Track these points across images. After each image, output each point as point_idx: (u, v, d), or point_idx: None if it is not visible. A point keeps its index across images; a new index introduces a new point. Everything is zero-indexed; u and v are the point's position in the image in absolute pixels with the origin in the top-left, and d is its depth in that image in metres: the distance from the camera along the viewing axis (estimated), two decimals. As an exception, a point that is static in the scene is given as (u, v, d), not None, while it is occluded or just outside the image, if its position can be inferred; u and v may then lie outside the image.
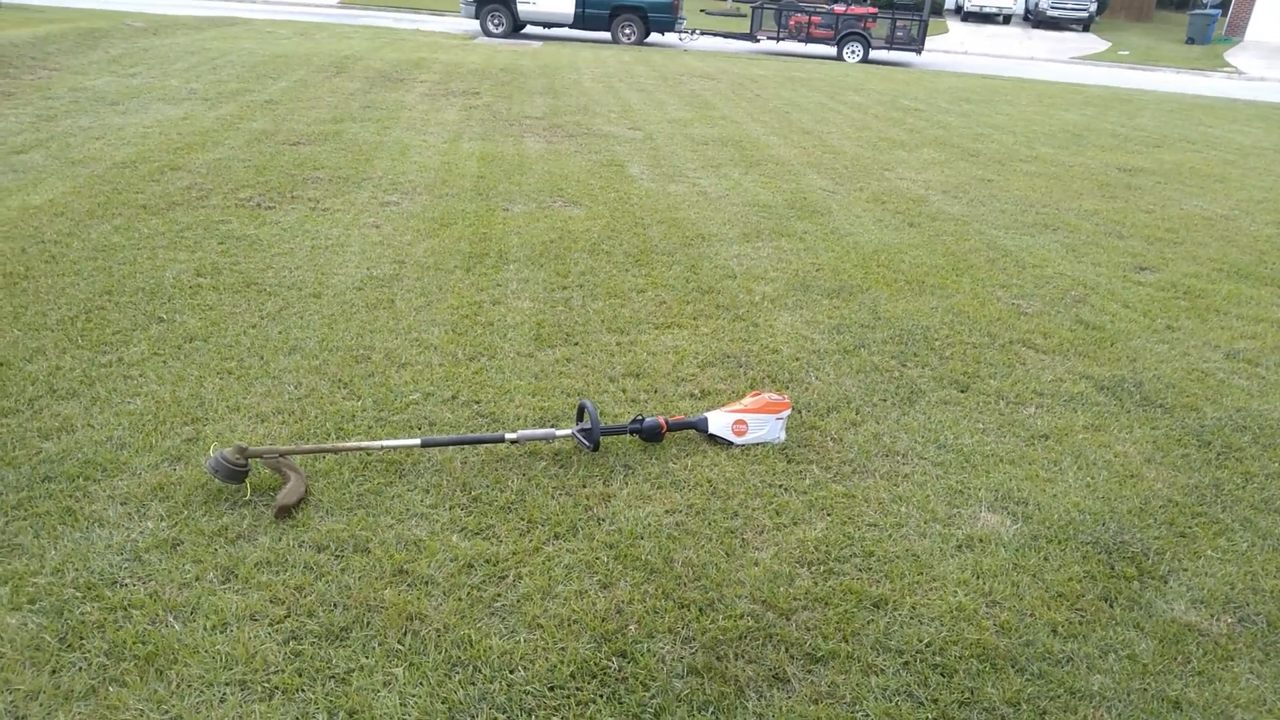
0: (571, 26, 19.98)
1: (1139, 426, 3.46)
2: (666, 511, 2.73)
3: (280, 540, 2.47)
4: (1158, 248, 5.99)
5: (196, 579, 2.32)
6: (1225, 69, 24.67)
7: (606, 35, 20.69)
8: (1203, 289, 5.16)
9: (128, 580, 2.30)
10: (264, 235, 5.01)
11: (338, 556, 2.44)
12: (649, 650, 2.17)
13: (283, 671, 2.04)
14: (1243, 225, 6.79)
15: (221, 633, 2.15)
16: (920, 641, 2.26)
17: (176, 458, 2.84)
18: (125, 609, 2.20)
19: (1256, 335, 4.50)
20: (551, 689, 2.05)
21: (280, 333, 3.77)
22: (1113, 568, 2.60)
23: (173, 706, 1.94)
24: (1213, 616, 2.44)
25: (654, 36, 21.31)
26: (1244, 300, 5.02)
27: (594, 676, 2.09)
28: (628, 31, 20.18)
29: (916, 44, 21.25)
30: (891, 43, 21.19)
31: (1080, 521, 2.81)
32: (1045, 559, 2.62)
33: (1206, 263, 5.70)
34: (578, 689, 2.05)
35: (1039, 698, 2.11)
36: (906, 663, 2.19)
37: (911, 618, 2.34)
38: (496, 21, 19.81)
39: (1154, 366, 4.02)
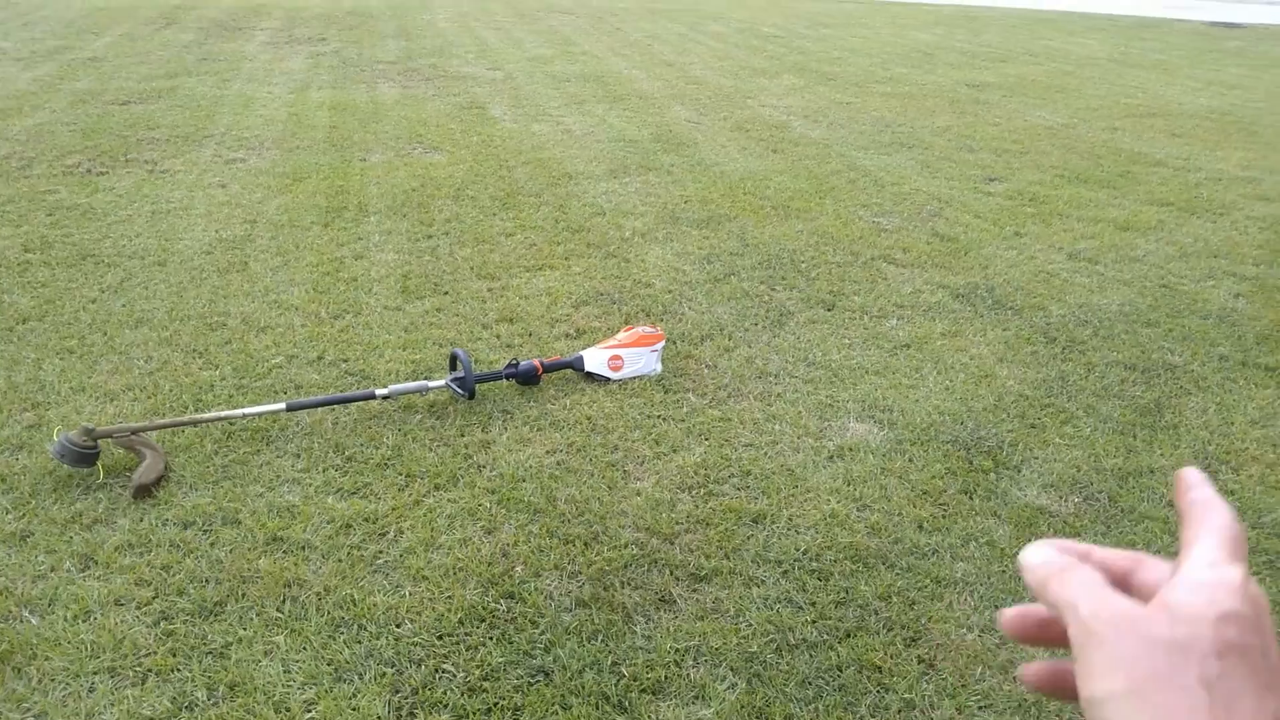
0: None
1: (992, 329, 3.65)
2: (547, 452, 2.73)
3: (141, 521, 2.36)
4: (1005, 159, 6.27)
5: (51, 569, 2.19)
6: (1062, -16, 25.73)
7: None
8: (1046, 195, 5.45)
9: (-27, 580, 2.16)
10: (97, 203, 4.67)
11: (206, 531, 2.34)
12: (536, 589, 2.19)
13: (155, 653, 1.96)
14: (1081, 132, 7.18)
15: (84, 622, 2.04)
16: (798, 550, 2.35)
17: (18, 446, 2.65)
18: (-27, 610, 2.07)
19: (1095, 235, 4.79)
20: (440, 637, 2.04)
21: (124, 305, 3.54)
22: (971, 462, 2.76)
23: (35, 703, 1.84)
24: (1061, 498, 2.63)
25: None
26: (1083, 203, 5.33)
27: (483, 620, 2.10)
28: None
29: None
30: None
31: (940, 423, 2.96)
32: (910, 461, 2.76)
33: (1049, 170, 6.01)
34: (466, 634, 2.05)
35: (908, 589, 2.24)
36: (785, 571, 2.28)
37: (789, 529, 2.43)
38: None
39: (1004, 271, 4.24)
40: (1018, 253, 4.49)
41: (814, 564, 2.31)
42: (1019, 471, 2.74)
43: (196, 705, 1.85)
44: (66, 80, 7.54)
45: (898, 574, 2.29)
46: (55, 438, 2.49)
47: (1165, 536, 2.48)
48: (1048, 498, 2.62)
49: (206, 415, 2.71)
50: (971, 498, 2.60)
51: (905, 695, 1.95)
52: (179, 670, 1.93)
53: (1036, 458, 2.81)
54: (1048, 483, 2.69)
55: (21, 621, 2.03)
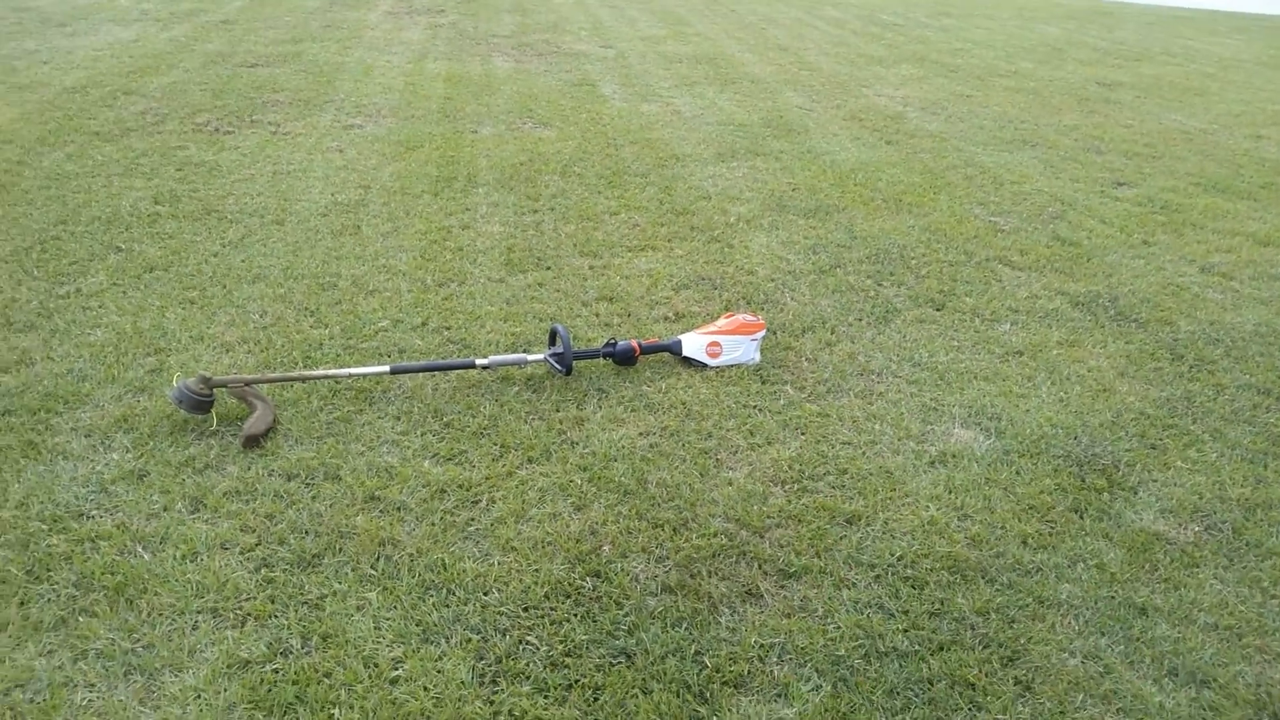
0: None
1: (1113, 341, 3.47)
2: (640, 434, 2.72)
3: (249, 469, 2.44)
4: (1136, 163, 5.94)
5: (165, 509, 2.29)
6: (1208, -20, 24.23)
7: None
8: (1180, 203, 5.14)
9: (94, 512, 2.27)
10: (223, 161, 4.86)
11: (308, 484, 2.41)
12: (623, 570, 2.18)
13: (255, 598, 2.03)
14: (1220, 139, 6.74)
15: (192, 562, 2.13)
16: (892, 555, 2.28)
17: (140, 389, 2.78)
18: (93, 540, 2.17)
19: (1232, 249, 4.49)
20: (525, 609, 2.05)
21: (243, 261, 3.67)
22: (1083, 480, 2.63)
23: (144, 635, 1.92)
24: (1180, 525, 2.48)
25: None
26: (1220, 214, 5.01)
27: (568, 596, 2.10)
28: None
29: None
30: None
31: (1052, 435, 2.82)
32: (1017, 473, 2.64)
33: (1184, 177, 5.67)
34: (552, 609, 2.06)
35: (1008, 607, 2.14)
36: (878, 576, 2.21)
37: (884, 533, 2.36)
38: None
39: (1129, 281, 4.01)
40: (1145, 262, 4.24)
41: (909, 571, 2.23)
42: (1135, 493, 2.59)
43: (291, 652, 1.90)
44: (200, 42, 7.87)
45: (998, 589, 2.20)
46: (174, 383, 2.60)
47: (1295, 576, 2.31)
48: (1165, 523, 2.47)
49: (315, 372, 2.78)
50: (1082, 517, 2.47)
51: (999, 716, 1.87)
52: (276, 617, 1.99)
53: (1155, 480, 2.65)
54: (1166, 508, 2.54)
55: (135, 556, 2.13)
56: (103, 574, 2.07)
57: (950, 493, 2.53)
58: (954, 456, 2.69)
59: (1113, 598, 2.20)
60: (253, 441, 2.53)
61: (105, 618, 1.96)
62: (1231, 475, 2.70)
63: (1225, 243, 4.57)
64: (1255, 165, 6.05)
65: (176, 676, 1.84)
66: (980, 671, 1.97)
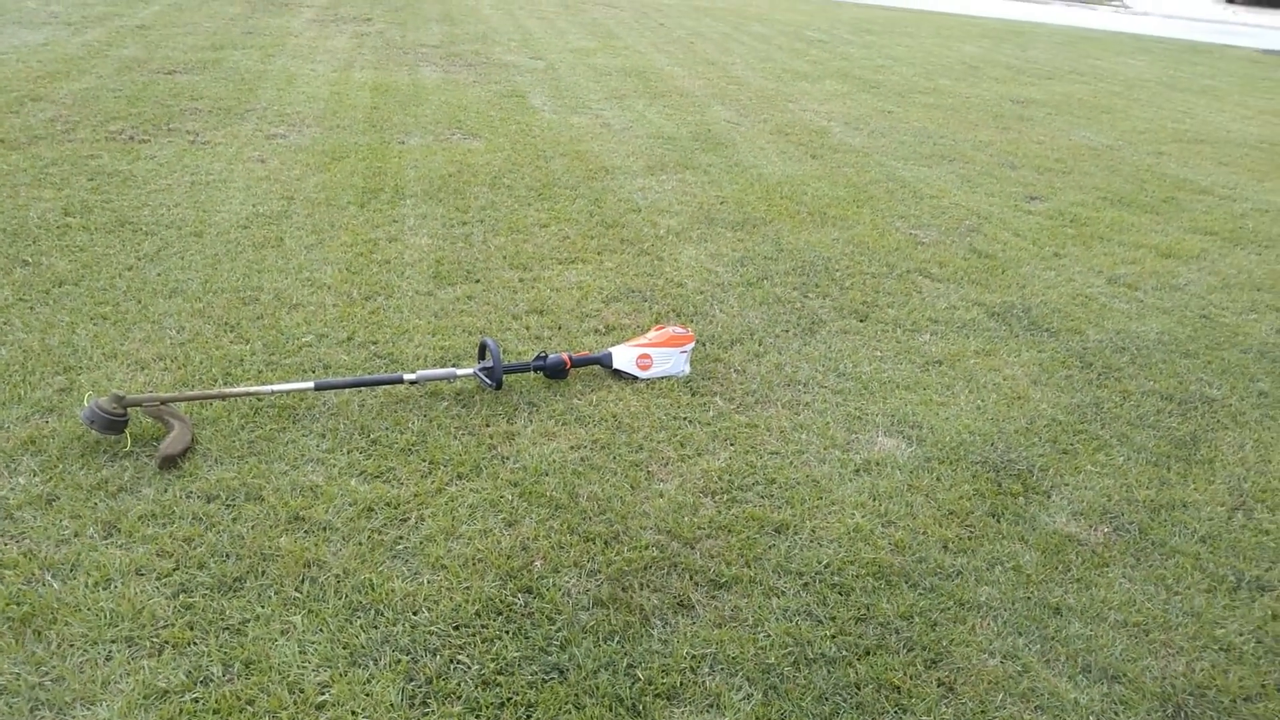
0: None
1: (1026, 350, 3.60)
2: (571, 447, 2.72)
3: (166, 492, 2.36)
4: (1047, 177, 6.18)
5: (75, 535, 2.20)
6: (1113, 3, 25.39)
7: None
8: (1088, 217, 5.36)
9: (-2, 539, 2.17)
10: (138, 171, 4.70)
11: (229, 506, 2.34)
12: (554, 585, 2.18)
13: (173, 625, 1.97)
14: (1126, 155, 7.06)
15: (105, 589, 2.05)
16: (819, 563, 2.32)
17: (49, 409, 2.67)
18: (-3, 570, 2.08)
19: (1136, 260, 4.71)
20: (456, 628, 2.03)
21: (159, 274, 3.56)
22: (1000, 485, 2.72)
23: (53, 667, 1.85)
24: (1091, 527, 2.58)
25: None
26: (1126, 227, 5.25)
27: (499, 613, 2.08)
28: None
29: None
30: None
31: (970, 442, 2.92)
32: (938, 479, 2.72)
33: (1092, 191, 5.92)
34: (483, 626, 2.04)
35: (930, 610, 2.20)
36: (806, 584, 2.26)
37: (811, 541, 2.41)
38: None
39: (1042, 292, 4.17)
40: (1056, 274, 4.42)
41: (836, 578, 2.28)
42: (1048, 497, 2.69)
43: (211, 680, 1.85)
44: (114, 47, 7.60)
45: (920, 594, 2.26)
46: (86, 403, 2.51)
47: (1196, 573, 2.43)
48: (1077, 526, 2.58)
49: (235, 390, 2.71)
50: (999, 521, 2.56)
51: (923, 718, 1.92)
52: (195, 644, 1.93)
53: (1067, 484, 2.76)
54: (1077, 510, 2.64)
55: (44, 585, 2.05)
56: (7, 604, 1.98)
57: (874, 500, 2.59)
58: (878, 464, 2.76)
59: (1029, 598, 2.28)
60: (170, 462, 2.45)
61: (10, 651, 1.88)
62: (1138, 478, 2.83)
63: (1130, 255, 4.79)
64: (1157, 180, 6.35)
65: (89, 710, 1.77)
66: (905, 674, 2.02)
